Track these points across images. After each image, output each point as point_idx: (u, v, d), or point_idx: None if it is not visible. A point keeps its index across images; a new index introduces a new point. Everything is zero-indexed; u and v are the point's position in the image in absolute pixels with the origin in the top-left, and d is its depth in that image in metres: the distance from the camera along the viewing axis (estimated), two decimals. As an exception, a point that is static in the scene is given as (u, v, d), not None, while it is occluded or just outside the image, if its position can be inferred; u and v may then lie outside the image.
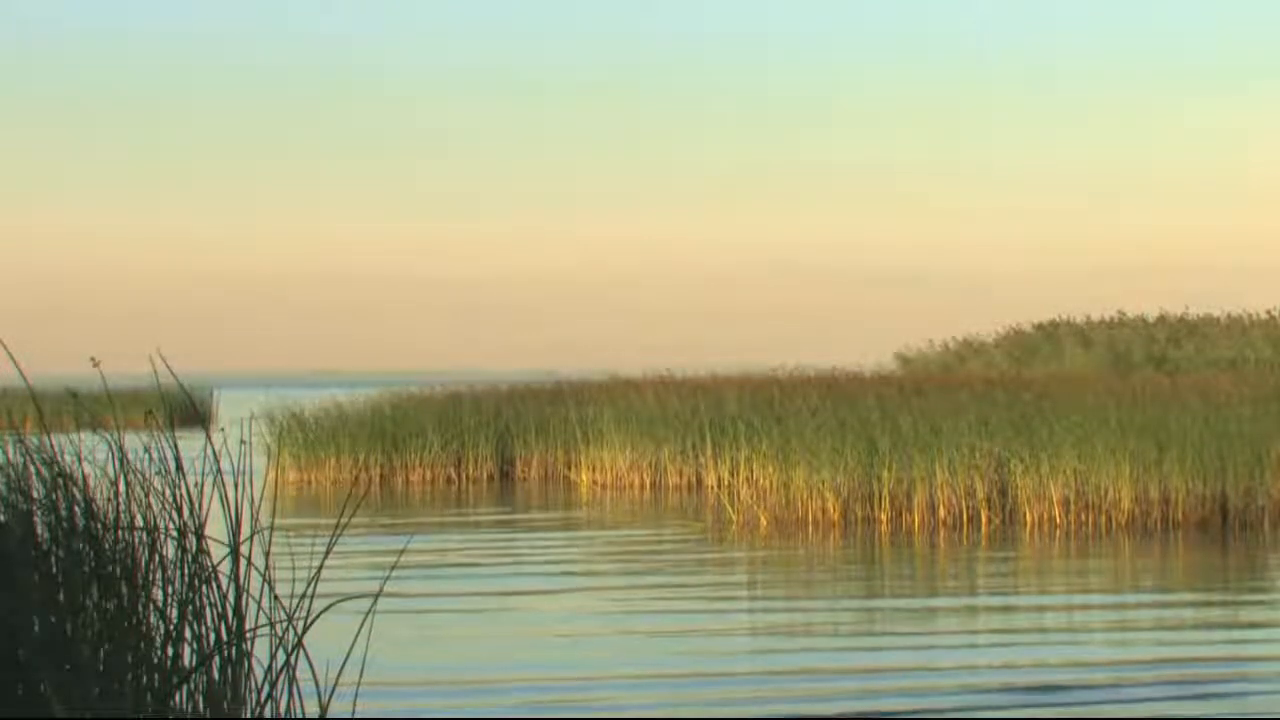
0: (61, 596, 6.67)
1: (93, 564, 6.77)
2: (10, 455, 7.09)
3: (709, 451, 29.60)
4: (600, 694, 10.82)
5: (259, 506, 10.41)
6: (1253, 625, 13.64)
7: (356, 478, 31.43)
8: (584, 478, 31.23)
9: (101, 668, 6.57)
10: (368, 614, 14.32)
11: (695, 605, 14.95)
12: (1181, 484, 21.22)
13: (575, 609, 14.80)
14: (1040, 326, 54.34)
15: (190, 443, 49.81)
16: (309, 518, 23.84)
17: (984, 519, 21.71)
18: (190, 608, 6.73)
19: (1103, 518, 21.40)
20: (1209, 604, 14.90)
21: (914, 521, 21.77)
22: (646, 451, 30.69)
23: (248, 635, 6.68)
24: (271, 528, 6.23)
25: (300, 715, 6.70)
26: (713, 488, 28.81)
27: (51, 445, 7.11)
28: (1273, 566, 17.59)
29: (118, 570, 6.77)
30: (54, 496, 6.91)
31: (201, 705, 6.65)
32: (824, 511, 22.28)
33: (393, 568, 17.98)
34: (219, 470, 6.86)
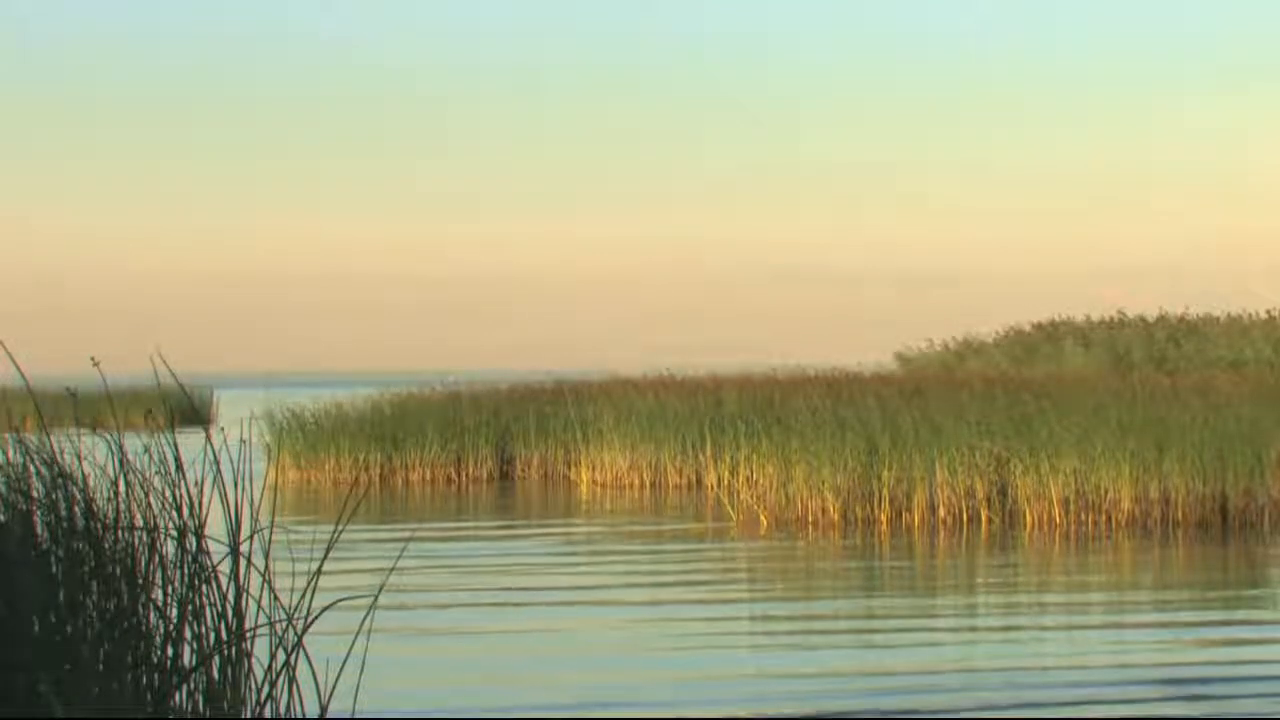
0: (61, 596, 6.67)
1: (93, 564, 6.77)
2: (10, 455, 7.09)
3: (709, 451, 29.59)
4: (599, 692, 10.82)
5: (259, 506, 10.39)
6: (1252, 625, 13.64)
7: (356, 478, 31.42)
8: (584, 477, 31.23)
9: (101, 667, 6.57)
10: (368, 614, 14.32)
11: (694, 605, 14.96)
12: (1181, 484, 21.21)
13: (574, 608, 14.80)
14: (1040, 326, 54.31)
15: (190, 443, 49.79)
16: (309, 517, 23.83)
17: (984, 519, 21.72)
18: (190, 607, 6.73)
19: (1103, 518, 21.40)
20: (1209, 604, 14.91)
21: (914, 521, 21.77)
22: (646, 451, 30.67)
23: (248, 635, 6.68)
24: (271, 527, 6.24)
25: (300, 715, 6.70)
26: (713, 487, 28.83)
27: (51, 445, 7.11)
28: (1273, 566, 17.59)
29: (118, 570, 6.77)
30: (54, 496, 6.91)
31: (201, 705, 6.65)
32: (824, 511, 22.28)
33: (393, 567, 17.98)
34: (219, 470, 6.86)
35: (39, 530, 6.90)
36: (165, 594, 6.82)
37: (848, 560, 18.35)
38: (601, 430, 31.33)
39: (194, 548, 6.79)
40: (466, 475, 32.35)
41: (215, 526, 21.78)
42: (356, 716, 10.04)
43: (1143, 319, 51.52)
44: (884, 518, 22.03)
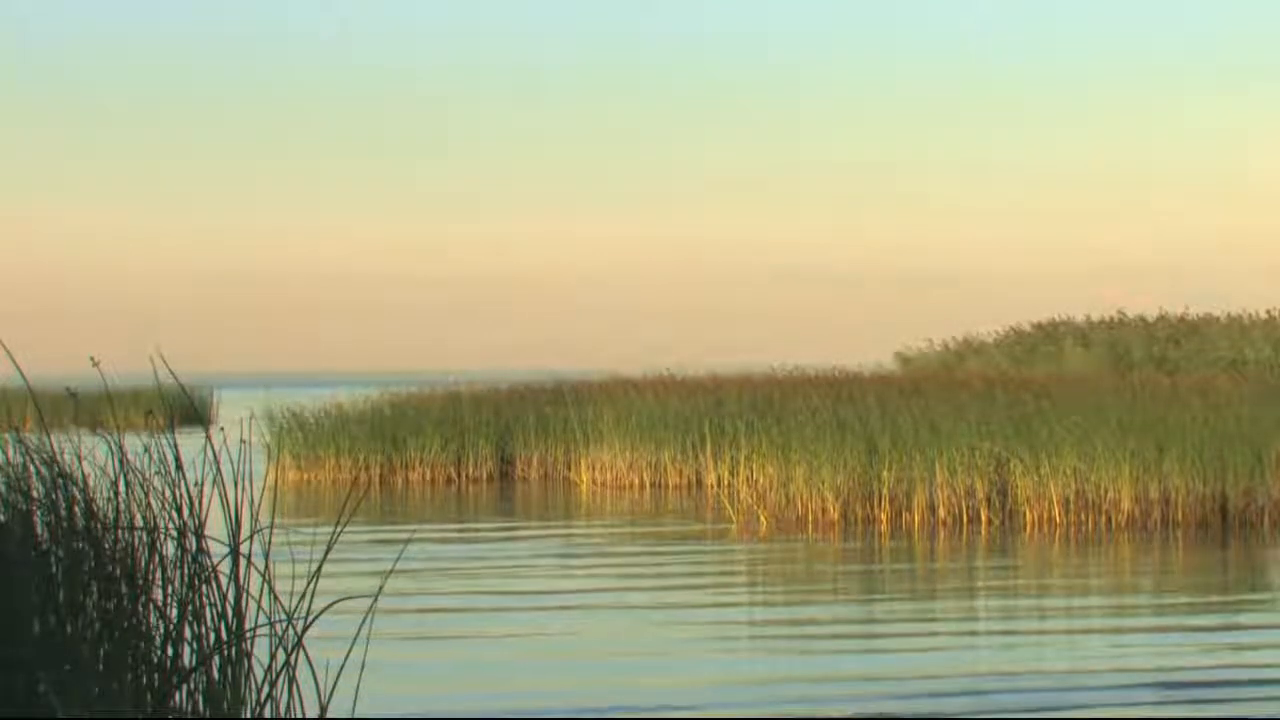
0: (61, 596, 6.67)
1: (93, 564, 6.77)
2: (10, 455, 7.09)
3: (709, 451, 29.56)
4: (599, 693, 10.81)
5: (259, 506, 10.41)
6: (1252, 626, 13.64)
7: (356, 477, 31.40)
8: (584, 477, 31.21)
9: (101, 667, 6.57)
10: (368, 614, 14.32)
11: (694, 605, 14.96)
12: (1181, 484, 21.20)
13: (574, 609, 14.80)
14: (1040, 326, 54.25)
15: (190, 443, 49.76)
16: (309, 518, 23.82)
17: (984, 519, 21.71)
18: (190, 607, 6.73)
19: (1103, 518, 21.39)
20: (1208, 604, 14.91)
21: (914, 521, 21.76)
22: (646, 451, 30.64)
23: (248, 635, 6.68)
24: (271, 527, 6.23)
25: (300, 715, 6.70)
26: (713, 488, 28.81)
27: (51, 445, 7.11)
28: (1273, 567, 17.59)
29: (118, 570, 6.76)
30: (54, 496, 6.91)
31: (201, 705, 6.65)
32: (824, 511, 22.27)
33: (393, 567, 17.98)
34: (219, 470, 6.86)
35: (39, 530, 6.89)
36: (165, 594, 6.81)
37: (848, 561, 18.35)
38: (601, 430, 31.30)
39: (194, 548, 6.79)
40: (466, 475, 32.32)
41: (215, 526, 21.74)
42: (356, 716, 10.04)
43: (1143, 319, 51.50)
44: (884, 518, 22.03)
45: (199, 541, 6.79)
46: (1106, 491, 21.43)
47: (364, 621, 13.94)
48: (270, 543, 6.92)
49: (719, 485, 28.30)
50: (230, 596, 6.69)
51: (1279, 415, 23.16)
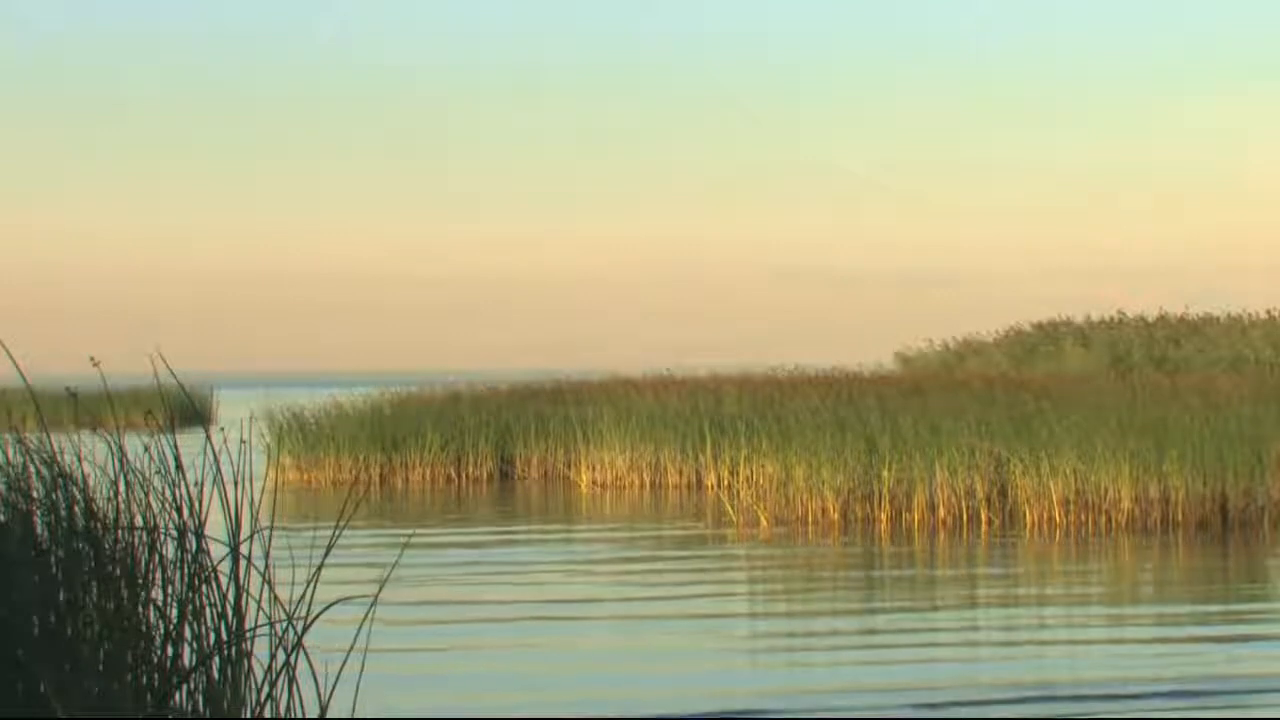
0: (61, 596, 6.67)
1: (93, 564, 6.77)
2: (10, 455, 7.09)
3: (709, 451, 29.53)
4: (599, 693, 10.81)
5: (259, 506, 10.40)
6: (1252, 627, 13.64)
7: (356, 477, 31.38)
8: (584, 477, 31.20)
9: (101, 667, 6.57)
10: (367, 614, 14.31)
11: (694, 610, 14.95)
12: (1181, 484, 21.19)
13: (574, 609, 14.79)
14: (1040, 326, 54.22)
15: (190, 443, 49.74)
16: (309, 518, 23.80)
17: (984, 519, 21.71)
18: (190, 607, 6.73)
19: (1103, 518, 21.39)
20: (1208, 605, 14.90)
21: (914, 521, 21.76)
22: (646, 451, 30.62)
23: (248, 635, 6.68)
24: (271, 528, 6.23)
25: (300, 715, 6.70)
26: (712, 487, 28.80)
27: (51, 445, 7.11)
28: (1272, 567, 17.59)
29: (118, 570, 6.77)
30: (54, 496, 6.91)
31: (201, 705, 6.65)
32: (824, 511, 22.26)
33: (392, 567, 17.97)
34: (219, 470, 6.86)
35: (39, 530, 6.89)
36: (165, 594, 6.82)
37: (848, 560, 18.34)
38: (601, 430, 31.29)
39: (194, 548, 6.79)
40: (466, 475, 32.31)
41: (215, 527, 21.72)
42: (356, 716, 10.04)
43: (1143, 319, 51.48)
44: (884, 518, 22.02)
45: (199, 541, 6.80)
46: (1106, 491, 21.43)
47: (363, 622, 13.93)
48: (270, 543, 6.93)
49: (719, 485, 28.30)
50: (230, 596, 6.69)
51: (1279, 415, 23.16)
